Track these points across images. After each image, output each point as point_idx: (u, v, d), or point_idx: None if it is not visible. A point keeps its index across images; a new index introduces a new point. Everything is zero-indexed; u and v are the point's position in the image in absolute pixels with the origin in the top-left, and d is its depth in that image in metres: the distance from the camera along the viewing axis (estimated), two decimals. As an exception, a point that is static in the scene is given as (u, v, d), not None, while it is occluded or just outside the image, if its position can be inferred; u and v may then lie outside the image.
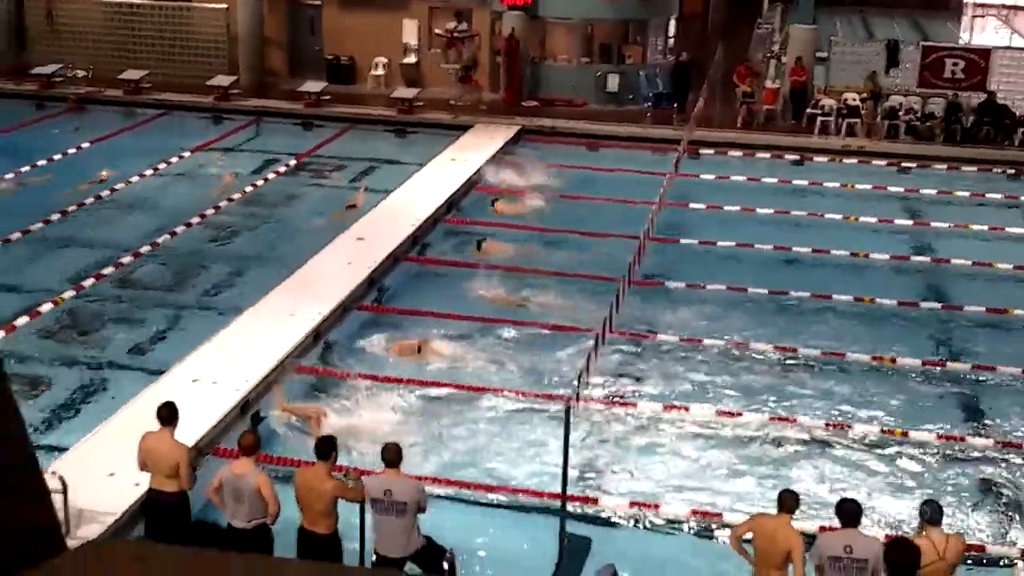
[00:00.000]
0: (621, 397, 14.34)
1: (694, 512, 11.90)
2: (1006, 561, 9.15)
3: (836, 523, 9.46)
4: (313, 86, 28.24)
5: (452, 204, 21.57)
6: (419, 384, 14.37)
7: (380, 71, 29.94)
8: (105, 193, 21.36)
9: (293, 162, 24.07)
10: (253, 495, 9.77)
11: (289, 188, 22.68)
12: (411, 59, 29.90)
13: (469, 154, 24.20)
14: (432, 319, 16.35)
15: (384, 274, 17.89)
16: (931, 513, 9.18)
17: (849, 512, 9.24)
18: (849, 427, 13.61)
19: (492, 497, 12.09)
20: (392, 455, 9.91)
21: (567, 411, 10.01)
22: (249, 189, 22.09)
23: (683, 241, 20.09)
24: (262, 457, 10.88)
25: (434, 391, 14.25)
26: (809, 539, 9.69)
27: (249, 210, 21.29)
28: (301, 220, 20.91)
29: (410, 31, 29.93)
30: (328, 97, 28.15)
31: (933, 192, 23.14)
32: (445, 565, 9.86)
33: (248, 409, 13.41)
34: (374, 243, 18.67)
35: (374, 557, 9.94)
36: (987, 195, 23.02)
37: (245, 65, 29.36)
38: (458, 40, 28.34)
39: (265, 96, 28.61)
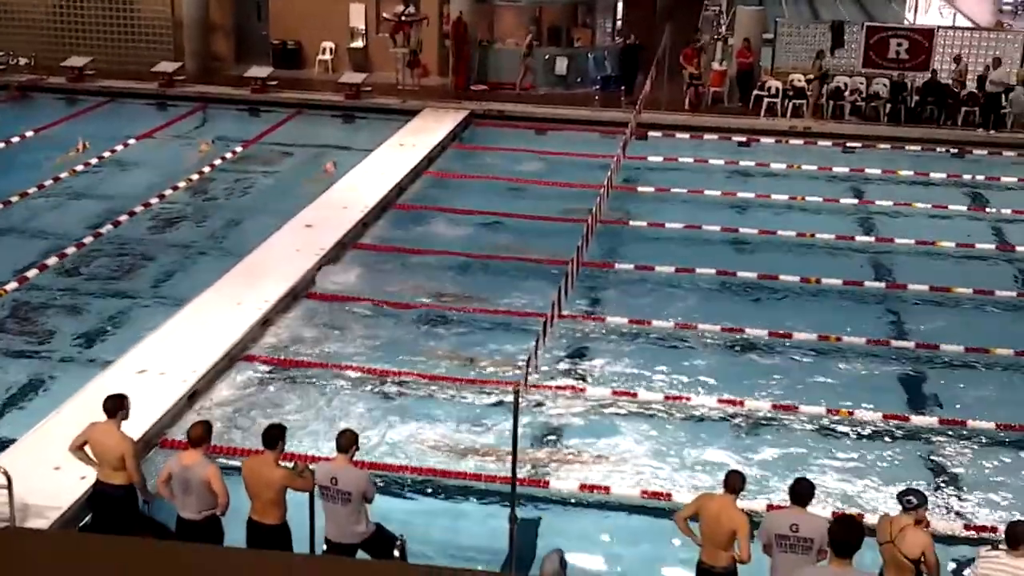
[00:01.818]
0: (570, 381, 14.40)
1: (643, 493, 12.00)
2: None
3: (785, 502, 9.58)
4: (260, 71, 28.01)
5: (402, 189, 21.52)
6: (368, 372, 14.35)
7: (327, 56, 29.77)
8: (49, 182, 21.09)
9: (240, 148, 23.88)
10: (202, 486, 9.73)
11: (236, 175, 22.50)
12: (359, 43, 29.75)
13: (418, 139, 24.14)
14: (383, 307, 16.35)
15: (333, 261, 17.82)
16: (906, 500, 9.23)
17: (800, 491, 9.33)
18: (796, 408, 13.76)
19: (443, 482, 12.12)
20: (345, 441, 9.88)
21: (516, 396, 10.03)
22: (195, 177, 21.91)
23: (631, 224, 20.19)
24: (212, 448, 10.83)
25: (385, 377, 14.24)
26: (755, 519, 9.80)
27: (196, 198, 21.13)
28: (248, 207, 20.78)
29: (357, 15, 29.77)
30: (275, 82, 27.94)
31: (878, 172, 23.40)
32: (396, 552, 9.88)
33: (196, 399, 13.34)
34: (323, 230, 18.59)
35: (324, 545, 9.95)
36: (931, 174, 23.31)
37: (190, 51, 29.07)
38: (406, 24, 28.20)
39: (211, 82, 28.33)
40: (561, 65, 28.81)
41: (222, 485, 9.76)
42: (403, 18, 28.11)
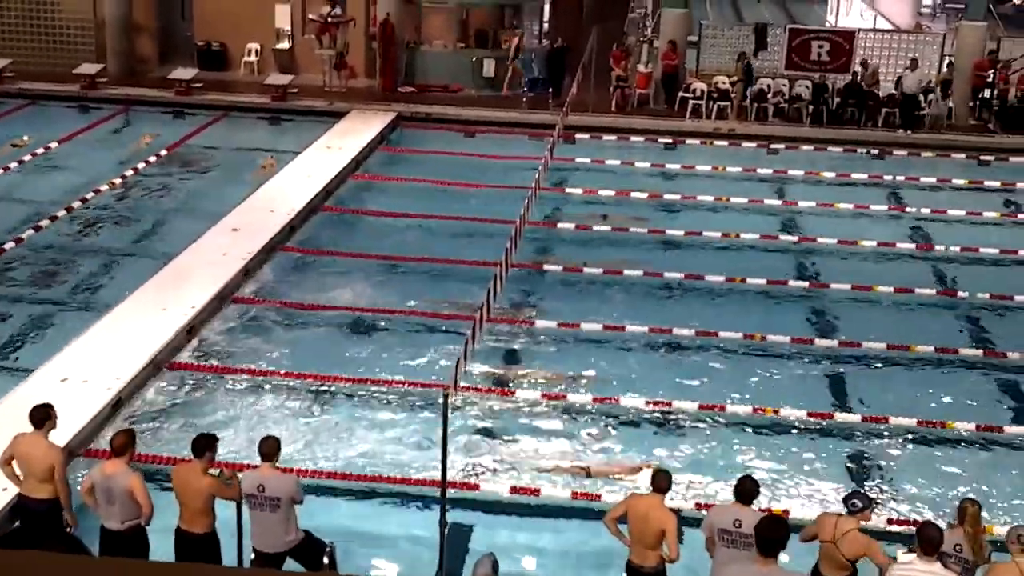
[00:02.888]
0: (500, 384, 14.44)
1: (574, 495, 12.06)
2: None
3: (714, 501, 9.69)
4: (184, 73, 27.67)
5: (329, 192, 21.40)
6: (297, 377, 14.26)
7: (253, 57, 29.52)
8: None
9: (164, 152, 23.57)
10: (125, 496, 9.59)
11: (160, 179, 22.22)
12: (284, 45, 29.52)
13: (346, 141, 24.03)
14: (311, 311, 16.27)
15: (260, 265, 17.69)
16: (851, 504, 9.38)
17: (744, 489, 9.44)
18: (723, 407, 13.92)
19: (372, 487, 12.09)
20: (268, 449, 9.82)
21: (445, 399, 10.03)
22: (118, 181, 21.59)
23: (560, 225, 20.28)
24: (137, 456, 10.70)
25: (314, 383, 14.17)
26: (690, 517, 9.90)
27: (119, 202, 20.82)
28: (173, 211, 20.53)
29: (283, 16, 29.53)
30: (200, 84, 27.64)
31: (801, 173, 23.75)
32: (325, 559, 9.83)
33: (120, 407, 13.16)
34: (249, 234, 18.43)
35: (252, 554, 9.87)
36: (852, 175, 23.70)
37: (113, 52, 28.63)
38: (332, 25, 28.03)
39: (134, 84, 27.94)
40: (489, 67, 28.85)
41: (145, 494, 9.64)
42: (329, 19, 27.94)
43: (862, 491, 9.82)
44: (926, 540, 8.57)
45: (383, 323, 16.05)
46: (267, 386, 14.07)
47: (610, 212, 20.92)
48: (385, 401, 13.88)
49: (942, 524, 9.58)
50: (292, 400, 13.81)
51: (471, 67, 28.86)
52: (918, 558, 8.55)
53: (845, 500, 9.44)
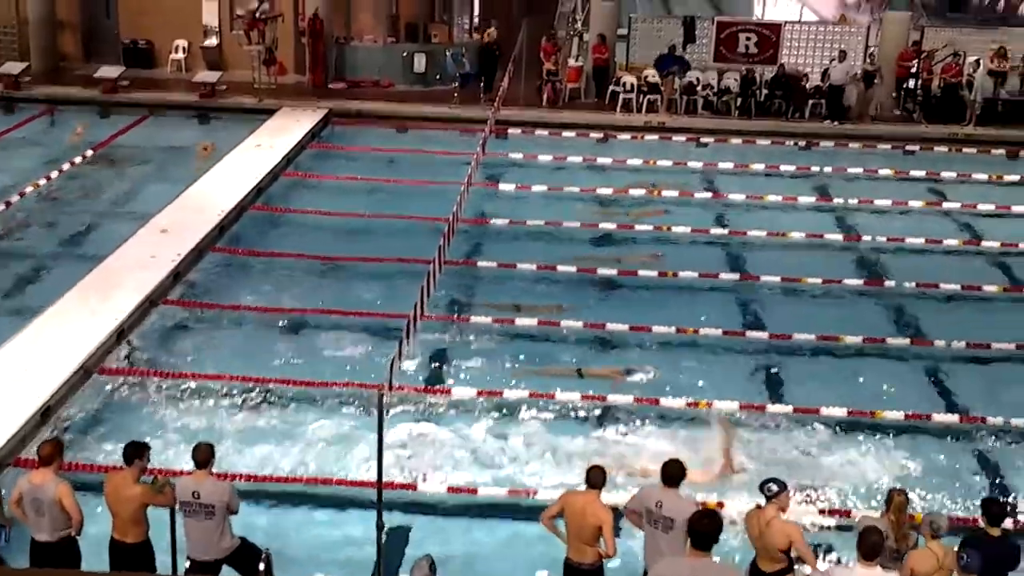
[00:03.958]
0: (436, 382, 14.43)
1: (510, 492, 12.10)
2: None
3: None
4: (110, 71, 27.29)
5: (260, 191, 21.22)
6: (230, 379, 14.14)
7: (180, 54, 29.19)
8: None
9: (90, 152, 23.22)
10: (54, 506, 9.45)
11: (86, 179, 21.89)
12: (212, 41, 29.24)
13: (276, 139, 23.84)
14: (243, 312, 16.14)
15: (190, 267, 17.50)
16: (767, 488, 9.49)
17: (670, 472, 9.50)
18: (657, 401, 14.03)
19: (308, 491, 12.02)
20: (202, 455, 9.72)
21: (380, 399, 10.01)
22: (43, 182, 21.22)
23: (493, 221, 20.30)
24: (66, 465, 10.56)
25: (247, 385, 14.05)
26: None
27: (45, 204, 20.47)
28: (101, 213, 20.24)
29: (210, 12, 29.26)
30: (126, 82, 27.32)
31: (730, 165, 23.97)
32: (261, 566, 9.74)
33: (49, 415, 12.95)
34: (178, 235, 18.22)
35: (187, 563, 9.78)
36: (781, 166, 23.97)
37: (37, 50, 28.19)
38: (260, 21, 27.76)
39: (59, 83, 27.50)
40: (420, 62, 28.76)
41: (75, 504, 9.50)
42: (257, 15, 27.67)
43: (776, 477, 9.91)
44: (868, 546, 8.57)
45: (316, 323, 15.96)
46: (200, 389, 13.93)
47: (543, 206, 20.95)
48: (320, 402, 13.81)
49: (875, 514, 9.76)
50: (225, 403, 13.69)
51: (402, 62, 28.76)
52: (858, 564, 8.64)
53: (761, 487, 9.56)
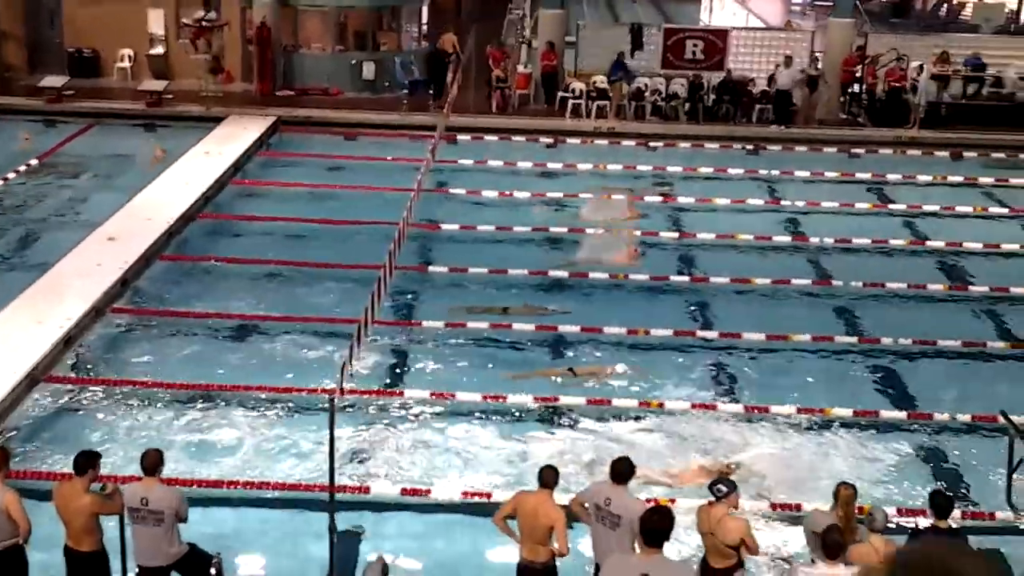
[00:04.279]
0: (387, 386, 14.40)
1: (464, 494, 12.08)
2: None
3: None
4: (54, 81, 27.04)
5: (208, 199, 21.08)
6: (180, 387, 14.02)
7: (126, 63, 28.95)
8: None
9: (35, 161, 22.96)
10: (1, 515, 9.32)
11: (31, 189, 21.64)
12: (158, 50, 29.04)
13: (224, 147, 23.70)
14: (193, 319, 16.01)
15: (138, 275, 17.34)
16: (716, 489, 9.55)
17: (617, 469, 9.54)
18: (609, 402, 14.08)
19: (259, 495, 11.94)
20: (150, 462, 9.62)
21: (331, 403, 9.99)
22: (-12, 192, 21.00)
23: (444, 227, 20.29)
24: (14, 473, 10.41)
25: (197, 392, 13.94)
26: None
27: (-9, 213, 20.25)
28: (47, 221, 20.01)
29: (156, 21, 29.05)
30: (71, 92, 27.04)
31: (679, 169, 24.14)
32: (212, 571, 9.68)
33: (-4, 424, 12.79)
34: (126, 242, 18.05)
35: (137, 570, 9.68)
36: (729, 170, 24.17)
37: (-21, 61, 27.84)
38: (207, 30, 27.63)
39: (3, 93, 27.18)
40: (368, 70, 28.72)
41: (22, 512, 9.36)
42: (203, 23, 27.54)
43: (725, 477, 9.99)
44: (829, 545, 8.65)
45: (266, 329, 15.87)
46: (148, 397, 13.80)
47: (494, 211, 20.96)
48: (271, 407, 13.72)
49: (826, 507, 9.85)
50: (175, 410, 13.57)
51: (350, 70, 28.70)
52: (823, 563, 8.71)
53: (711, 487, 9.63)
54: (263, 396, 13.91)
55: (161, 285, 17.38)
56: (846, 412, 13.98)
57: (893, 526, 9.36)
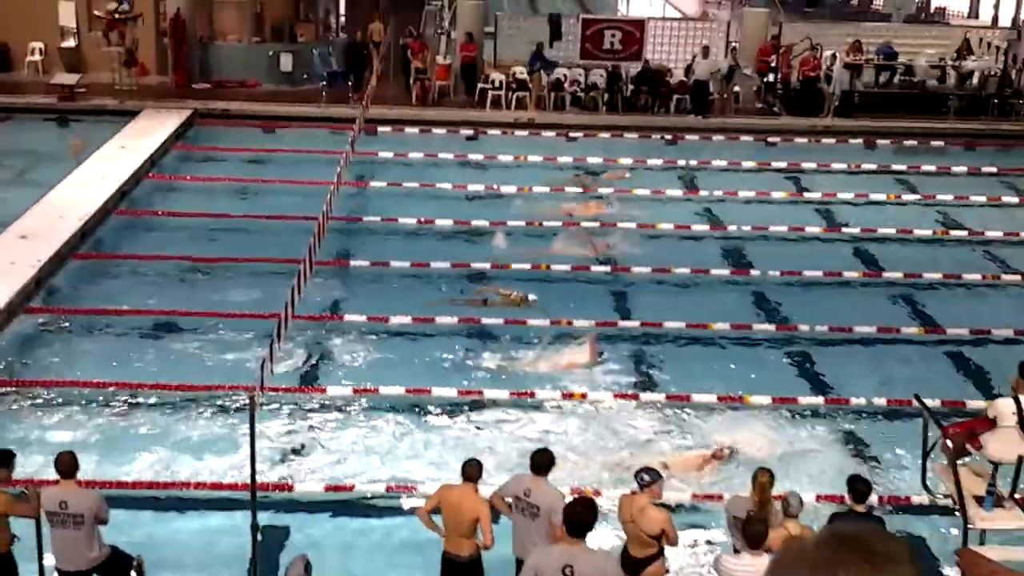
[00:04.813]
0: (309, 382, 14.31)
1: (389, 488, 12.06)
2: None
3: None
4: (-38, 75, 26.37)
5: (124, 194, 20.73)
6: (97, 386, 13.80)
7: (37, 56, 28.32)
8: None
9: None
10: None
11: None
12: (70, 43, 28.43)
13: (139, 141, 23.32)
14: (110, 317, 15.76)
15: (52, 273, 17.01)
16: (640, 478, 9.64)
17: (537, 461, 9.63)
18: (532, 394, 14.13)
19: (179, 495, 11.81)
20: (65, 465, 9.47)
21: (252, 401, 9.90)
22: None
23: (364, 219, 20.19)
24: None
25: (114, 391, 13.73)
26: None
27: None
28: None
29: (67, 13, 28.46)
30: (-20, 86, 26.40)
31: (599, 160, 24.26)
32: (133, 573, 9.56)
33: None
34: (39, 241, 17.69)
35: (56, 574, 9.52)
36: (648, 160, 24.35)
37: None
38: (120, 22, 27.12)
39: (-93, 88, 26.50)
40: (286, 61, 28.44)
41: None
42: (116, 16, 27.03)
43: (649, 466, 10.12)
44: (753, 535, 8.79)
45: (185, 327, 15.67)
46: (65, 397, 13.56)
47: (415, 204, 20.88)
48: (191, 406, 13.57)
49: (745, 493, 9.99)
50: (93, 411, 13.35)
51: (268, 61, 28.40)
52: (748, 554, 8.83)
53: (636, 475, 9.74)
54: (182, 395, 13.75)
55: (76, 283, 17.09)
56: (764, 399, 14.19)
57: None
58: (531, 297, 16.76)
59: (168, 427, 13.12)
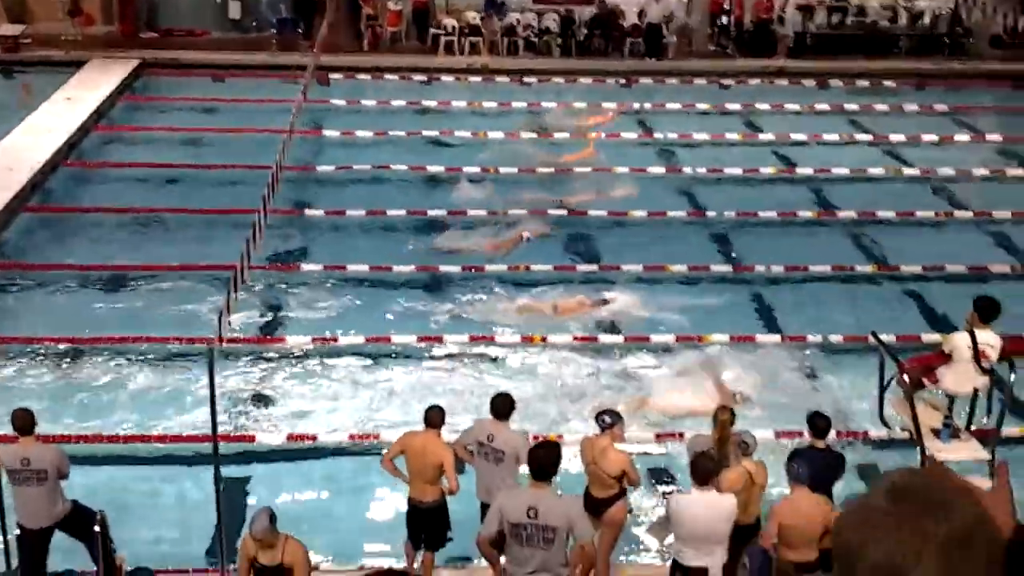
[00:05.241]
0: (268, 333, 14.23)
1: (351, 437, 12.06)
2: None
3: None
4: (-100, 27, 25.71)
5: (72, 146, 20.40)
6: (55, 341, 13.64)
7: (-22, 7, 27.65)
8: None
9: None
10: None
11: None
12: (12, -8, 27.76)
13: (86, 92, 22.90)
14: (63, 271, 15.55)
15: (2, 228, 16.75)
16: (601, 420, 9.69)
17: (496, 406, 9.68)
18: (492, 338, 14.15)
19: (141, 449, 11.75)
20: (23, 422, 9.36)
21: (210, 353, 9.81)
22: None
23: (319, 168, 20.00)
24: None
25: (70, 346, 13.59)
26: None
27: None
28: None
29: (9, -38, 27.75)
30: (-80, 38, 25.76)
31: (554, 104, 24.13)
32: (96, 528, 9.49)
33: None
34: (-13, 195, 17.42)
35: (17, 531, 9.45)
36: (603, 104, 24.24)
37: None
38: (63, -30, 26.54)
39: None
40: (235, 9, 27.96)
41: None
42: (60, -36, 26.42)
43: (611, 408, 10.18)
44: (699, 472, 8.83)
45: (140, 280, 15.50)
46: (18, 353, 13.40)
47: (369, 151, 20.71)
48: (148, 359, 13.46)
49: (705, 432, 10.08)
50: (47, 366, 13.21)
51: (216, 9, 27.91)
52: (696, 489, 8.90)
53: (596, 417, 9.80)
54: (140, 348, 13.63)
55: (27, 238, 16.83)
56: (723, 337, 14.29)
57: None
58: (525, 235, 16.99)
59: (125, 381, 13.01)
